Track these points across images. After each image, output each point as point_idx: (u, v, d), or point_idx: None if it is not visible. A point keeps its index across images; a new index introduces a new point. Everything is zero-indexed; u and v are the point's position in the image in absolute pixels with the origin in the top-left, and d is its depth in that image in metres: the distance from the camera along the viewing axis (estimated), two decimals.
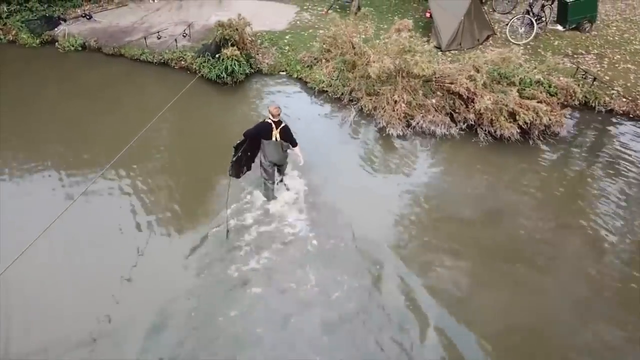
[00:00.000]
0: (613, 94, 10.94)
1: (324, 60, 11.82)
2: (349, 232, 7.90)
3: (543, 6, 13.07)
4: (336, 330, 6.56)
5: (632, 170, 9.29)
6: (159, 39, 13.09)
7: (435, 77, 10.26)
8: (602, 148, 9.92)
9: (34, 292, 6.91)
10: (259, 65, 12.23)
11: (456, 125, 9.95)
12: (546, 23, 13.28)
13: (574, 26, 13.32)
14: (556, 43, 12.88)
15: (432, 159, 9.60)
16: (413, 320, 6.66)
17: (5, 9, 14.07)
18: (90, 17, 14.29)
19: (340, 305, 6.83)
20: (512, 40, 12.77)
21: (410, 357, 6.27)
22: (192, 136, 10.17)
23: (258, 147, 8.14)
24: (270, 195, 8.36)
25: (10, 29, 13.85)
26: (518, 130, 9.53)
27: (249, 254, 7.51)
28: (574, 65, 11.60)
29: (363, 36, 11.67)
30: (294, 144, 8.08)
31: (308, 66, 12.02)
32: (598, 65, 11.91)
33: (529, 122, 9.40)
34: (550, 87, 10.25)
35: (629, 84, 11.25)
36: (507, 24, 13.21)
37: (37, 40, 13.58)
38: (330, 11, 14.59)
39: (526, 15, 12.84)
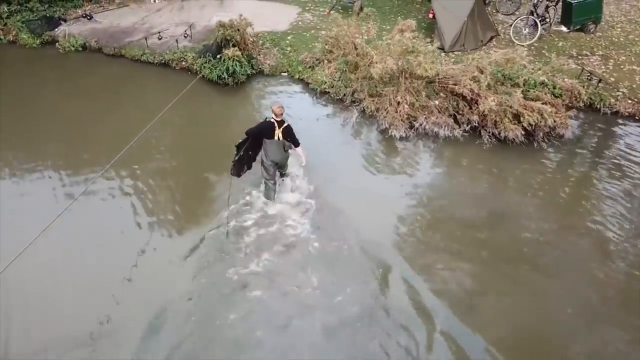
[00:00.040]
0: (618, 95, 10.83)
1: (326, 61, 11.72)
2: (352, 234, 7.78)
3: (547, 7, 12.96)
4: (338, 334, 6.43)
5: (638, 172, 9.17)
6: (159, 39, 13.01)
7: (439, 78, 10.14)
8: (608, 150, 9.81)
9: (34, 292, 6.85)
10: (260, 66, 12.14)
11: (460, 127, 9.83)
12: (550, 24, 13.17)
13: (578, 27, 13.21)
14: (560, 44, 12.77)
15: (435, 160, 9.49)
16: (418, 324, 6.53)
17: (5, 9, 14.02)
18: (91, 18, 14.23)
19: (343, 309, 6.70)
20: (516, 42, 12.67)
21: None
22: (193, 137, 10.09)
23: (260, 146, 8.07)
24: (270, 195, 8.27)
25: (11, 29, 13.81)
26: (522, 132, 9.41)
27: (249, 256, 7.40)
28: (578, 67, 11.48)
29: (365, 37, 11.59)
30: (297, 144, 8.03)
31: (310, 67, 11.93)
32: (603, 67, 11.80)
33: (533, 123, 9.29)
34: (554, 88, 10.15)
35: (634, 86, 11.13)
36: (510, 25, 13.10)
37: (38, 41, 13.52)
38: (332, 12, 14.50)
39: (530, 16, 12.72)
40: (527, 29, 12.79)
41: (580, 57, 12.22)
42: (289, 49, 12.76)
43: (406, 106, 9.79)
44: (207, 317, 6.57)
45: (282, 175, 8.54)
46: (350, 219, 8.02)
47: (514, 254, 7.59)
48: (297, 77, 11.94)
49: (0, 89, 11.41)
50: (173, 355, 6.14)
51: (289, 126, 7.88)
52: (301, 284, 7.06)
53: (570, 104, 10.18)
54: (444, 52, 12.19)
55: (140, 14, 14.76)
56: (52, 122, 10.43)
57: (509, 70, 10.12)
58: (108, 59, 12.93)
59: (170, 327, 6.44)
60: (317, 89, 11.31)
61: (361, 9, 14.05)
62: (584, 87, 10.51)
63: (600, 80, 10.88)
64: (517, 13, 14.25)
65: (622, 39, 13.10)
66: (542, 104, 9.46)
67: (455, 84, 9.90)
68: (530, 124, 9.29)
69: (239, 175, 8.05)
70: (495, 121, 9.52)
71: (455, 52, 12.29)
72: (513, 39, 12.79)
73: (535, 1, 12.85)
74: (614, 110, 10.67)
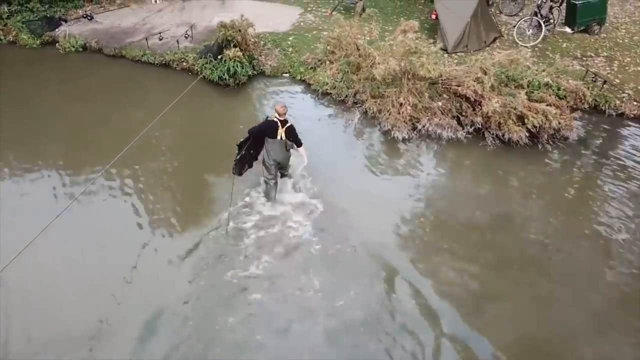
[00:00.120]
0: (624, 97, 10.70)
1: (327, 62, 11.63)
2: (354, 236, 7.68)
3: (551, 8, 12.85)
4: (341, 338, 6.31)
5: None
6: (160, 40, 12.94)
7: (442, 80, 10.04)
8: (613, 152, 9.67)
9: (34, 292, 6.79)
10: (261, 67, 12.06)
11: (463, 128, 9.73)
12: (554, 25, 13.06)
13: (582, 28, 13.10)
14: (564, 45, 12.66)
15: (438, 163, 9.37)
16: (424, 328, 6.41)
17: (6, 9, 13.98)
18: (92, 18, 14.17)
19: (346, 313, 6.59)
20: (520, 43, 12.56)
21: None
22: (193, 138, 10.01)
23: (262, 145, 7.99)
24: (271, 195, 8.19)
25: (11, 29, 13.77)
26: (526, 134, 9.29)
27: (249, 258, 7.31)
28: (583, 68, 11.36)
29: (368, 38, 11.49)
30: (299, 144, 7.98)
31: (311, 68, 11.84)
32: (608, 68, 11.68)
33: (538, 125, 9.17)
34: (559, 90, 10.04)
35: (639, 87, 10.99)
36: (514, 26, 12.99)
37: (38, 41, 13.48)
38: (334, 13, 14.41)
39: (534, 17, 12.62)
40: (530, 30, 12.69)
41: (584, 58, 12.11)
42: (290, 49, 12.67)
43: (409, 107, 9.68)
44: (206, 320, 6.47)
45: (283, 175, 8.47)
46: (353, 221, 7.93)
47: (519, 257, 7.48)
48: (298, 78, 11.85)
49: (0, 89, 11.34)
50: (171, 357, 6.05)
51: (291, 126, 7.82)
52: (302, 287, 6.94)
53: (574, 106, 10.08)
54: (447, 53, 12.09)
55: (141, 14, 14.68)
56: (52, 122, 10.37)
57: (512, 71, 10.02)
58: (108, 60, 12.88)
59: (169, 329, 6.35)
60: (318, 90, 11.20)
61: (363, 9, 13.96)
62: (588, 88, 10.39)
63: (605, 82, 10.77)
64: (520, 14, 14.13)
65: (626, 40, 12.97)
66: (547, 105, 9.35)
67: (458, 85, 9.79)
68: (534, 126, 9.17)
69: (240, 174, 8.00)
70: (499, 123, 9.41)
71: (458, 53, 12.20)
72: (517, 40, 12.68)
73: (539, 2, 12.76)
74: (619, 112, 10.54)
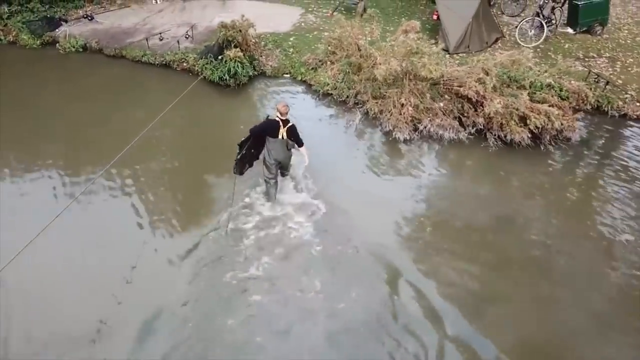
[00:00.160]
0: (626, 98, 10.64)
1: (328, 63, 11.58)
2: (356, 237, 7.62)
3: (553, 8, 12.79)
4: (342, 340, 6.25)
5: None
6: (161, 40, 12.90)
7: (443, 80, 9.98)
8: (616, 153, 9.62)
9: (34, 292, 6.75)
10: (262, 68, 12.02)
11: (465, 129, 9.67)
12: (556, 26, 13.00)
13: (584, 29, 13.04)
14: (567, 46, 12.61)
15: (440, 163, 9.31)
16: (426, 330, 6.34)
17: (6, 9, 13.93)
18: (92, 18, 14.13)
19: (347, 314, 6.52)
20: (522, 43, 12.50)
21: None
22: (194, 138, 9.96)
23: (263, 145, 7.94)
24: (271, 195, 8.14)
25: (11, 29, 13.72)
26: (529, 135, 9.22)
27: (249, 259, 7.24)
28: (585, 69, 11.30)
29: (369, 38, 11.44)
30: (300, 144, 7.92)
31: (312, 68, 11.79)
32: (610, 69, 11.62)
33: (540, 126, 9.11)
34: (561, 90, 10.00)
35: None
36: (516, 27, 12.94)
37: (38, 41, 13.44)
38: (335, 13, 14.36)
39: (536, 18, 12.56)
40: (532, 31, 12.62)
41: (586, 59, 12.06)
42: (291, 50, 12.63)
43: (410, 108, 9.62)
44: (206, 321, 6.41)
45: (284, 175, 8.44)
46: (354, 222, 7.87)
47: (521, 258, 7.42)
48: (299, 78, 11.80)
49: (0, 90, 11.31)
50: (170, 358, 6.01)
51: (293, 126, 7.77)
52: (303, 288, 6.88)
53: (577, 107, 10.04)
54: (449, 53, 12.05)
55: (142, 14, 14.65)
56: (52, 122, 10.33)
57: (514, 72, 9.97)
58: (109, 60, 12.84)
59: (168, 330, 6.30)
60: (319, 90, 11.15)
61: (364, 10, 13.92)
62: (591, 89, 10.35)
63: (607, 83, 10.71)
64: (522, 15, 14.08)
65: (629, 41, 12.92)
66: (549, 106, 9.29)
67: (460, 86, 9.73)
68: (537, 127, 9.11)
69: (241, 173, 7.97)
70: (501, 124, 9.35)
71: (460, 54, 12.14)
72: (518, 40, 12.63)
73: (541, 2, 12.69)
74: (622, 113, 10.48)
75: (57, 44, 13.17)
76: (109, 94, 11.38)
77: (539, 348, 6.28)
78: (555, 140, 9.56)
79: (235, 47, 11.28)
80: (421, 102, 9.74)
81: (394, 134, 9.59)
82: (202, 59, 11.72)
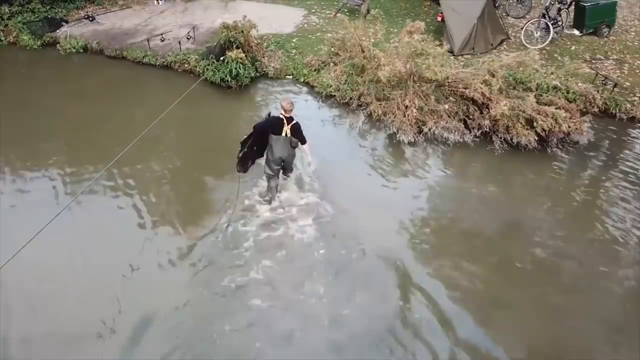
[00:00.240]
0: (635, 100, 10.46)
1: (332, 64, 11.45)
2: (360, 240, 7.46)
3: (559, 10, 12.64)
4: (346, 348, 6.06)
5: None
6: (162, 41, 12.78)
7: (448, 82, 9.83)
8: (624, 156, 9.46)
9: (33, 292, 6.66)
10: (264, 69, 11.87)
11: (470, 132, 9.50)
12: (562, 27, 12.84)
13: (591, 31, 12.89)
14: (573, 48, 12.46)
15: (445, 166, 9.16)
16: (435, 338, 6.16)
17: (6, 10, 13.80)
18: (93, 19, 14.03)
19: (351, 321, 6.34)
20: (527, 45, 12.33)
21: None
22: (195, 139, 9.83)
23: (266, 142, 7.79)
24: (272, 193, 8.03)
25: (11, 30, 13.61)
26: (535, 138, 9.05)
27: (249, 262, 7.07)
28: (592, 71, 11.13)
29: (373, 40, 11.30)
30: (304, 142, 7.79)
31: (315, 70, 11.65)
32: (618, 71, 11.46)
33: (547, 129, 8.93)
34: (568, 93, 9.82)
35: None
36: (521, 29, 12.79)
37: (38, 42, 13.35)
38: (338, 14, 14.20)
39: (542, 19, 12.40)
40: (538, 33, 12.47)
41: (593, 61, 11.90)
42: (294, 51, 12.51)
43: (414, 110, 9.45)
44: (203, 325, 6.25)
45: (286, 175, 8.29)
46: (359, 224, 7.72)
47: (529, 262, 7.25)
48: (302, 80, 11.68)
49: (0, 90, 11.24)
50: None
51: (297, 124, 7.63)
52: (306, 293, 6.71)
53: (584, 109, 9.83)
54: (453, 55, 11.90)
55: (143, 15, 14.55)
56: (53, 122, 10.23)
57: (520, 74, 9.83)
58: (109, 61, 12.74)
59: (164, 334, 6.14)
60: (322, 92, 11.01)
61: (368, 11, 13.81)
62: (598, 91, 10.17)
63: (615, 85, 10.55)
64: (527, 16, 13.93)
65: (636, 43, 12.75)
66: (556, 108, 9.11)
67: (465, 88, 9.58)
68: (544, 130, 8.93)
69: (245, 171, 7.84)
70: (507, 126, 9.18)
71: (465, 56, 12.00)
72: (524, 42, 12.47)
73: (547, 4, 12.53)
74: (630, 115, 10.30)
75: (58, 45, 13.04)
76: (109, 95, 11.27)
77: (548, 354, 6.12)
78: (563, 143, 9.40)
79: (237, 48, 11.13)
80: (426, 104, 9.59)
81: (398, 136, 9.44)
82: (203, 60, 11.59)
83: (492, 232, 7.77)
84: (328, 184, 8.41)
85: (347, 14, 14.15)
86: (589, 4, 12.51)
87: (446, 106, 9.64)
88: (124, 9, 15.00)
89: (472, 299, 6.69)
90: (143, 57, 12.45)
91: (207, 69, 11.32)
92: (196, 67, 11.75)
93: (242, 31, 11.20)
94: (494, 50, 12.31)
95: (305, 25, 13.99)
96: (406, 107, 9.56)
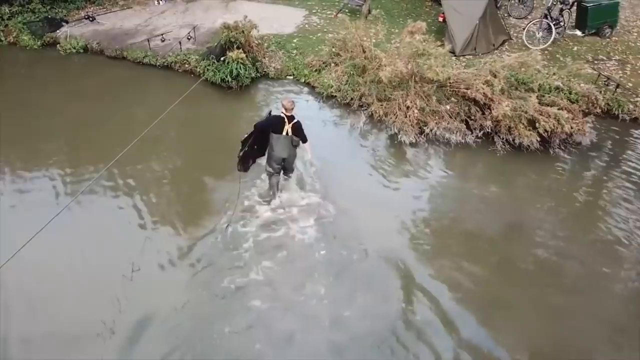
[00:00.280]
0: (637, 101, 10.40)
1: (333, 65, 11.40)
2: (361, 241, 7.41)
3: (562, 10, 12.58)
4: (347, 350, 6.00)
5: None
6: (162, 41, 12.74)
7: (450, 82, 9.77)
8: (627, 157, 9.41)
9: (33, 292, 6.63)
10: (265, 69, 11.82)
11: (472, 132, 9.45)
12: (565, 28, 12.78)
13: (593, 31, 12.83)
14: (575, 49, 12.41)
15: (447, 167, 9.10)
16: (437, 339, 6.10)
17: (7, 10, 13.77)
18: (94, 19, 13.98)
19: (353, 322, 6.27)
20: (529, 46, 12.28)
21: None
22: (195, 140, 9.79)
23: (267, 141, 7.75)
24: (273, 191, 7.99)
25: (11, 30, 13.57)
26: (538, 139, 8.99)
27: (249, 262, 7.01)
28: (594, 72, 11.07)
29: (374, 40, 11.25)
30: (305, 141, 7.77)
31: (316, 70, 11.60)
32: (620, 72, 11.41)
33: (549, 130, 8.88)
34: (570, 93, 9.78)
35: None
36: (523, 29, 12.74)
37: (39, 42, 13.31)
38: (339, 15, 14.14)
39: (544, 20, 12.34)
40: (540, 33, 12.40)
41: (596, 61, 11.85)
42: (294, 52, 12.46)
43: (416, 111, 9.41)
44: (202, 327, 6.19)
45: (287, 175, 8.22)
46: (360, 225, 7.66)
47: (531, 263, 7.21)
48: (303, 80, 11.63)
49: (0, 90, 11.23)
50: None
51: (299, 122, 7.60)
52: (306, 294, 6.65)
53: (587, 110, 9.77)
54: (455, 55, 11.83)
55: (144, 16, 14.50)
56: (53, 122, 10.20)
57: (522, 74, 9.78)
58: (110, 61, 12.71)
59: (162, 336, 6.08)
60: (323, 92, 10.96)
61: (369, 11, 13.76)
62: (601, 92, 10.12)
63: (618, 86, 10.49)
64: (529, 17, 13.88)
65: (638, 44, 12.71)
66: (558, 109, 9.06)
67: (467, 88, 9.53)
68: (546, 130, 8.88)
69: (246, 170, 7.82)
70: (509, 127, 9.13)
71: (467, 56, 11.95)
72: (526, 43, 12.42)
73: (548, 4, 12.48)
74: (633, 116, 10.26)
75: (58, 45, 13.00)
76: (109, 95, 11.24)
77: (549, 354, 6.09)
78: (565, 144, 9.36)
79: (238, 48, 11.09)
80: (427, 104, 9.54)
81: (399, 137, 9.39)
82: (204, 60, 11.54)
83: (494, 232, 7.71)
84: (329, 185, 8.35)
85: (348, 14, 14.08)
86: (591, 5, 12.47)
87: (448, 107, 9.59)
88: (125, 9, 14.96)
89: (474, 300, 6.64)
90: (143, 57, 12.40)
91: (208, 69, 11.28)
92: (197, 67, 11.69)
93: (243, 31, 11.16)
94: (495, 51, 12.26)
95: (306, 26, 13.94)
96: (407, 107, 9.51)
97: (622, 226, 7.84)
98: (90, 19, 13.97)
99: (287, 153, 7.66)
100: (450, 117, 9.51)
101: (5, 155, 9.16)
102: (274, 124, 7.59)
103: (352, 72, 10.79)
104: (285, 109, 7.47)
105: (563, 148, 9.32)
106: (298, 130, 7.60)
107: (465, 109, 9.59)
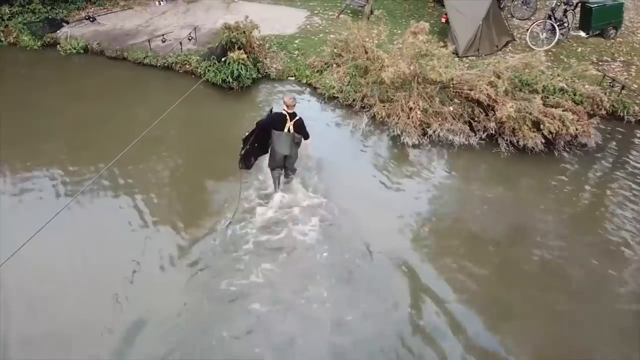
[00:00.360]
0: None
1: (334, 65, 11.31)
2: (365, 243, 7.32)
3: (565, 11, 12.47)
4: (350, 354, 5.91)
5: None
6: (163, 42, 12.67)
7: (453, 83, 9.67)
8: (633, 159, 9.28)
9: (33, 292, 6.61)
10: (266, 70, 11.73)
11: (475, 134, 9.33)
12: (568, 29, 12.67)
13: (597, 32, 12.72)
14: (579, 50, 12.30)
15: (450, 169, 9.00)
16: (442, 343, 6.01)
17: (7, 10, 13.71)
18: (94, 20, 13.92)
19: (356, 326, 6.19)
20: (533, 47, 12.17)
21: None
22: (196, 141, 9.72)
23: (268, 138, 7.72)
24: (275, 185, 7.97)
25: (12, 31, 13.51)
26: (542, 141, 8.89)
27: (249, 264, 6.92)
28: (599, 73, 10.96)
29: (376, 41, 11.15)
30: (307, 137, 7.75)
31: (318, 71, 11.51)
32: (625, 73, 11.30)
33: (554, 131, 8.77)
34: (575, 95, 9.65)
35: None
36: (527, 30, 12.64)
37: (39, 43, 13.25)
38: (342, 15, 14.08)
39: (548, 21, 12.24)
40: (544, 34, 12.30)
41: (600, 63, 11.74)
42: (296, 52, 12.38)
43: (419, 112, 9.31)
44: (200, 330, 6.12)
45: (288, 175, 8.14)
46: (362, 227, 7.58)
47: (535, 266, 7.12)
48: (304, 81, 11.55)
49: (0, 90, 11.20)
50: None
51: (301, 119, 7.58)
52: (308, 297, 6.55)
53: (592, 112, 9.66)
54: (458, 56, 11.74)
55: (145, 16, 14.44)
56: (53, 123, 10.16)
57: (527, 75, 9.68)
58: (110, 62, 12.66)
59: (159, 339, 6.02)
60: (325, 93, 10.87)
61: (372, 12, 13.66)
62: (606, 94, 10.02)
63: (623, 87, 10.38)
64: (532, 18, 13.77)
65: None
66: (563, 111, 8.95)
67: (470, 90, 9.43)
68: (550, 132, 8.77)
69: (248, 168, 7.82)
70: (514, 129, 9.02)
71: (470, 57, 11.85)
72: (530, 44, 12.32)
73: (553, 5, 12.38)
74: (638, 118, 10.15)
75: (58, 46, 12.94)
76: (110, 96, 11.18)
77: (554, 357, 6.03)
78: (570, 146, 9.25)
79: (239, 49, 11.02)
80: (430, 105, 9.44)
81: (402, 138, 9.29)
82: (205, 61, 11.46)
83: (497, 234, 7.63)
84: (331, 186, 8.28)
85: (351, 15, 14.00)
86: (595, 5, 12.36)
87: (451, 108, 9.49)
88: (125, 9, 14.90)
89: (478, 301, 6.56)
90: (144, 58, 12.33)
91: (209, 70, 11.20)
92: (197, 68, 11.61)
93: (244, 32, 11.11)
94: (499, 52, 12.15)
95: (308, 27, 13.86)
96: (410, 108, 9.42)
97: (629, 227, 7.74)
98: (91, 19, 13.91)
99: (289, 150, 7.62)
100: (454, 119, 9.41)
101: (5, 155, 9.10)
102: (275, 121, 7.56)
103: (354, 73, 10.70)
104: (287, 106, 7.43)
105: (568, 150, 9.21)
106: (300, 127, 7.56)
107: (469, 110, 9.48)
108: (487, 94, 9.14)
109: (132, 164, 8.69)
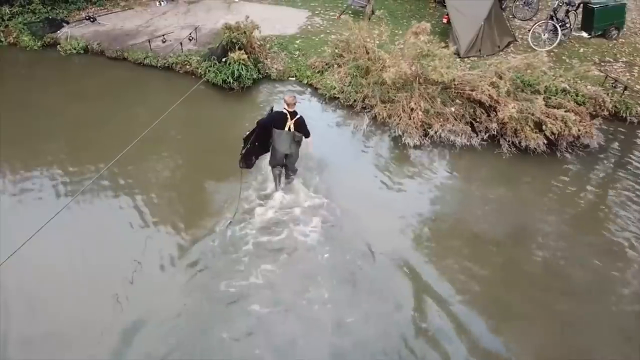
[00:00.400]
0: None
1: (335, 66, 11.27)
2: (366, 244, 7.30)
3: (567, 12, 12.44)
4: (351, 356, 5.87)
5: None
6: (163, 42, 12.63)
7: (455, 84, 9.63)
8: (635, 160, 9.25)
9: (33, 292, 6.61)
10: (267, 71, 11.69)
11: (477, 135, 9.30)
12: (570, 29, 12.64)
13: (599, 33, 12.69)
14: (581, 50, 12.27)
15: (452, 170, 8.97)
16: (444, 345, 5.98)
17: (7, 10, 13.66)
18: (94, 20, 13.87)
19: (357, 327, 6.15)
20: (535, 47, 12.14)
21: None
22: (196, 141, 9.69)
23: (269, 137, 7.70)
24: (276, 182, 7.96)
25: (12, 31, 13.46)
26: (544, 141, 8.85)
27: (249, 265, 6.89)
28: (601, 74, 10.92)
29: (377, 41, 11.12)
30: (307, 135, 7.75)
31: (319, 72, 11.48)
32: (627, 74, 11.27)
33: (556, 132, 8.74)
34: (577, 95, 9.63)
35: None
36: (529, 31, 12.60)
37: (39, 43, 13.19)
38: (343, 16, 14.04)
39: (549, 21, 12.21)
40: (546, 35, 12.27)
41: (602, 63, 11.71)
42: (297, 53, 12.34)
43: (420, 113, 9.27)
44: (200, 331, 6.10)
45: (288, 175, 8.12)
46: (364, 227, 7.55)
47: (537, 268, 7.09)
48: (305, 82, 11.51)
49: (0, 90, 11.16)
50: None
51: (301, 118, 7.58)
52: (309, 298, 6.52)
53: (594, 112, 9.62)
54: (459, 57, 11.70)
55: (145, 16, 14.40)
56: (53, 123, 10.13)
57: (528, 76, 9.65)
58: (110, 62, 12.61)
59: (158, 340, 6.00)
60: (326, 94, 10.83)
61: (373, 12, 13.62)
62: (608, 94, 9.97)
63: (625, 88, 10.34)
64: (534, 19, 13.74)
65: None
66: (565, 111, 8.92)
67: (472, 90, 9.39)
68: (553, 133, 8.75)
69: (249, 167, 7.81)
70: (515, 129, 8.99)
71: (471, 58, 11.81)
72: (531, 44, 12.28)
73: (554, 6, 12.35)
74: None
75: (58, 46, 12.88)
76: (110, 96, 11.15)
77: (556, 358, 6.00)
78: (572, 147, 9.22)
79: (240, 49, 10.98)
80: (432, 106, 9.41)
81: (403, 139, 9.25)
82: (205, 61, 11.42)
83: (499, 235, 7.59)
84: (332, 186, 8.25)
85: (352, 15, 13.95)
86: (597, 6, 12.34)
87: (452, 109, 9.46)
88: (126, 10, 14.86)
89: (480, 303, 6.54)
90: (144, 58, 12.29)
91: (209, 70, 11.17)
92: (198, 68, 11.57)
93: (245, 32, 11.08)
94: (500, 53, 12.11)
95: (309, 27, 13.82)
96: (412, 109, 9.39)
97: (632, 228, 7.72)
98: (91, 19, 13.87)
99: (290, 149, 7.62)
100: (455, 119, 9.37)
101: (5, 155, 9.07)
102: (276, 119, 7.56)
103: (355, 74, 10.67)
104: (288, 105, 7.44)
105: (570, 151, 9.19)
106: (301, 125, 7.57)
107: (471, 111, 9.45)
108: (489, 95, 9.10)
109: (133, 164, 8.66)
